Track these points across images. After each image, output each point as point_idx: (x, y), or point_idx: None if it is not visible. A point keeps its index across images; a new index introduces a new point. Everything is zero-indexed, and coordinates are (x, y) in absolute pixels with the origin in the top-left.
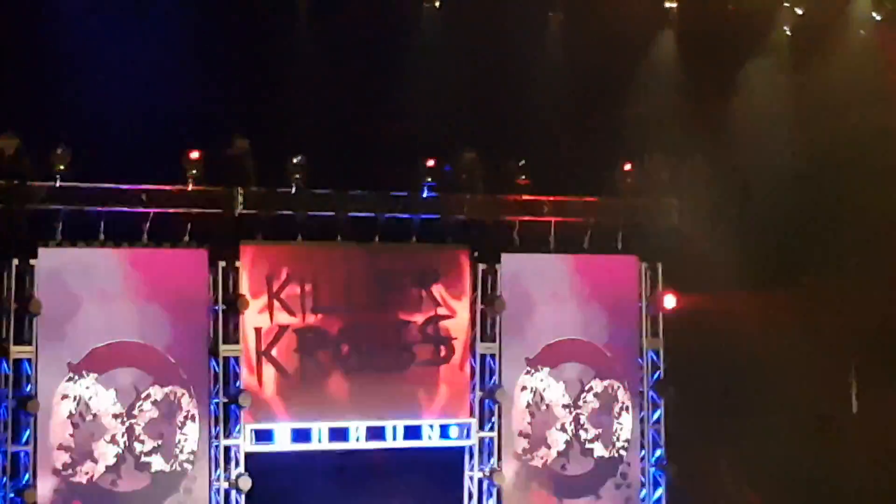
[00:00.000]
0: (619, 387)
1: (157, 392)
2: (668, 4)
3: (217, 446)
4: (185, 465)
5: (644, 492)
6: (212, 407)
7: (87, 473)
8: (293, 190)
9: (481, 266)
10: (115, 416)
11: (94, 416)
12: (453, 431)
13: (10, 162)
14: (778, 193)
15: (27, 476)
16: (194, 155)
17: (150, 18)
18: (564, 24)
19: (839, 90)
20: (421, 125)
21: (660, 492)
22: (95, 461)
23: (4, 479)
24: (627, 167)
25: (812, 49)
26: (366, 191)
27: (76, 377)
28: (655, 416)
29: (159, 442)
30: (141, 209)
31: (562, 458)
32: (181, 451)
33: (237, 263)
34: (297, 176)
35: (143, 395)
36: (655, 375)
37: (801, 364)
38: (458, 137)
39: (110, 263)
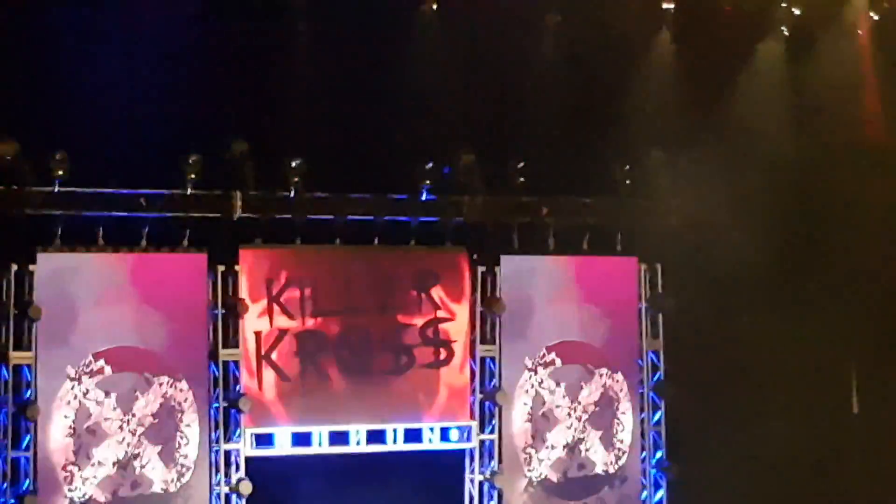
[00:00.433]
0: (619, 388)
1: (156, 397)
2: (665, 5)
3: (217, 451)
4: (186, 469)
5: (645, 493)
6: (212, 411)
7: (87, 479)
8: (292, 193)
9: (480, 268)
10: (115, 422)
11: (95, 421)
12: (454, 434)
13: (9, 167)
14: (777, 193)
15: (27, 482)
16: (193, 159)
17: (148, 23)
18: (561, 25)
19: (837, 89)
20: (419, 128)
21: (661, 493)
22: (96, 466)
23: (5, 484)
24: (626, 168)
25: (809, 49)
26: (364, 194)
27: (76, 382)
28: (656, 418)
29: (160, 447)
30: (140, 214)
31: (562, 460)
32: (181, 456)
33: (236, 267)
34: (296, 179)
35: (142, 400)
36: (656, 376)
37: (801, 364)
38: (457, 140)
39: (109, 268)
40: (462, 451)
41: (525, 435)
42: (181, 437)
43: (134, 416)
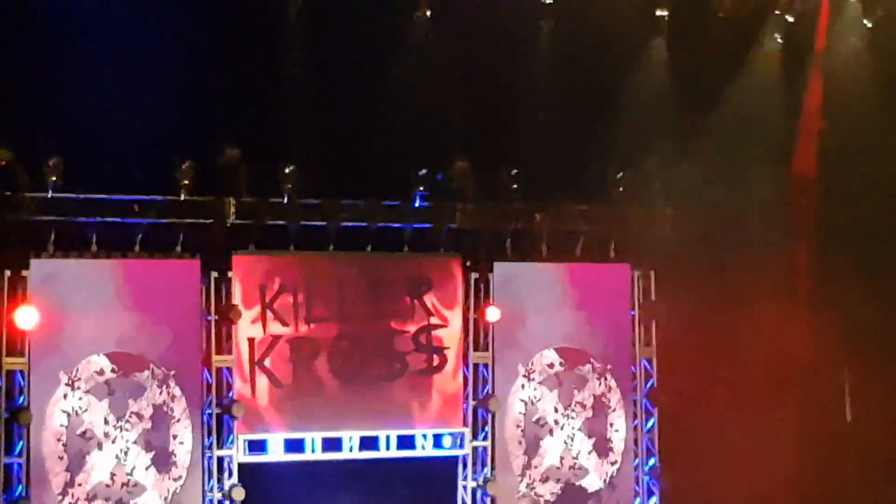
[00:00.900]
0: (612, 395)
1: (149, 403)
2: (659, 13)
3: (210, 457)
4: (179, 475)
5: (638, 500)
6: (205, 417)
7: (80, 485)
8: (285, 200)
9: (474, 275)
10: (109, 428)
11: (87, 427)
12: (447, 441)
13: (3, 173)
14: (771, 201)
15: (20, 488)
16: (186, 165)
17: (141, 29)
18: (555, 32)
19: (831, 97)
20: (412, 134)
21: (653, 501)
22: (89, 472)
23: None
24: (620, 175)
25: (803, 56)
26: (357, 200)
27: (69, 388)
28: (649, 425)
29: (153, 453)
30: (133, 220)
31: (555, 467)
32: (174, 463)
33: (230, 273)
34: (289, 186)
35: (135, 406)
36: (649, 384)
37: (795, 371)
38: (450, 146)
39: (103, 274)
40: (455, 458)
41: (518, 442)
42: (174, 444)
43: (127, 421)
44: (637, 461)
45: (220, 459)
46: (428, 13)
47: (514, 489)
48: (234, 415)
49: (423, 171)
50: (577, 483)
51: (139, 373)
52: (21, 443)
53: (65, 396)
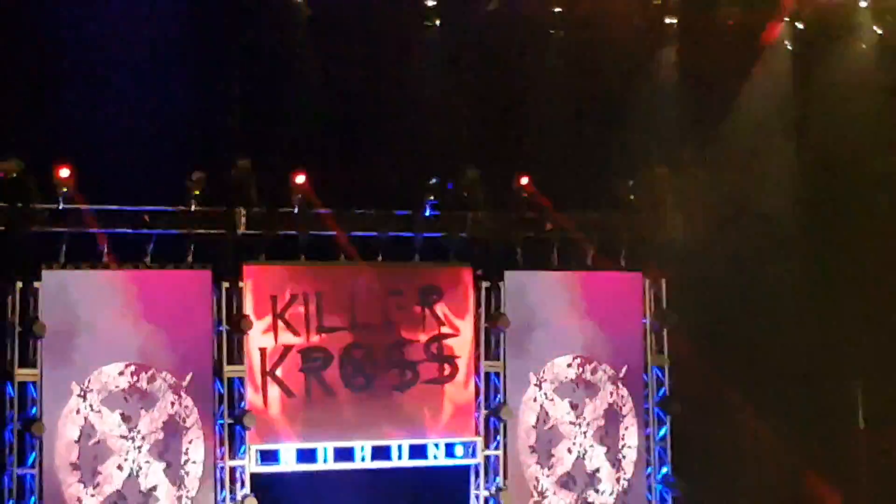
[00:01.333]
0: (624, 403)
1: (161, 413)
2: (668, 20)
3: (222, 467)
4: (191, 486)
5: None
6: (217, 427)
7: (93, 496)
8: (296, 209)
9: (484, 284)
10: (121, 438)
11: (100, 438)
12: (459, 450)
13: (14, 185)
14: (781, 208)
15: (33, 499)
16: (197, 176)
17: (152, 40)
18: (566, 40)
19: (841, 104)
20: (423, 144)
21: None
22: (101, 483)
23: (11, 501)
24: (631, 183)
25: (814, 63)
26: (368, 210)
27: (81, 399)
28: (661, 433)
29: (165, 463)
30: (144, 230)
31: (568, 475)
32: (186, 473)
33: (241, 284)
34: (300, 196)
35: (147, 417)
36: (661, 392)
37: (807, 379)
38: (461, 155)
39: (114, 285)
40: (467, 467)
41: (530, 450)
42: (186, 454)
43: (139, 432)
44: (650, 469)
45: (233, 470)
46: (438, 23)
47: (526, 498)
48: (245, 425)
49: (434, 181)
50: (589, 491)
51: (151, 383)
52: (34, 454)
53: (77, 408)
